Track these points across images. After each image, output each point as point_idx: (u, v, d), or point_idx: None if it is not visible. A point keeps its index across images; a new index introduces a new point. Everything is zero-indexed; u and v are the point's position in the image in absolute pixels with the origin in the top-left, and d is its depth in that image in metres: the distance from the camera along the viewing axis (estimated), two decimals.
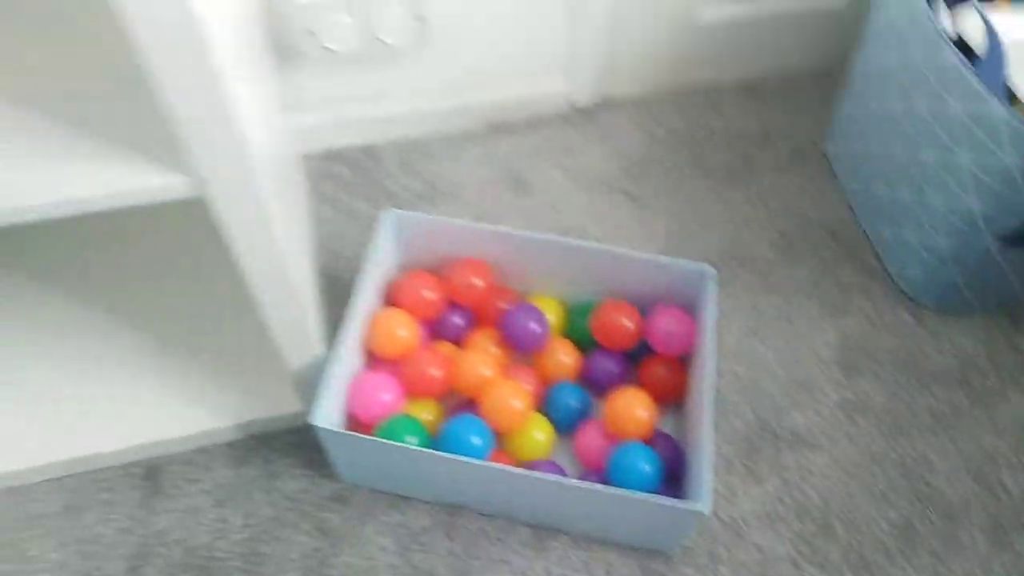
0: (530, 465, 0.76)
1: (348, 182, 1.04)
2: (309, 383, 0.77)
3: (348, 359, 0.77)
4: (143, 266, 0.92)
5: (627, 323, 0.83)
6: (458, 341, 0.87)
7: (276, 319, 0.68)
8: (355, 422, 0.79)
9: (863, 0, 1.06)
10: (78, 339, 0.86)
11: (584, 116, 1.13)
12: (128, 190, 0.52)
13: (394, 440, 0.74)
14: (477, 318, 0.88)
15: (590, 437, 0.80)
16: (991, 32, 0.77)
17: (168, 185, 0.52)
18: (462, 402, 0.83)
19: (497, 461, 0.76)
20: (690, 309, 0.85)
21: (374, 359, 0.83)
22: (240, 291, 0.88)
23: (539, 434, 0.80)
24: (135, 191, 0.52)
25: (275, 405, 0.82)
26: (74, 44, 0.58)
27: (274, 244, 0.60)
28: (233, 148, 0.52)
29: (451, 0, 0.94)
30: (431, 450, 0.71)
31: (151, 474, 0.81)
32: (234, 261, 0.61)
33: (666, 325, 0.82)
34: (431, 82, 1.03)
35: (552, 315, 0.87)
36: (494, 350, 0.84)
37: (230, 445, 0.83)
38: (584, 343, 0.86)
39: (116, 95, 0.56)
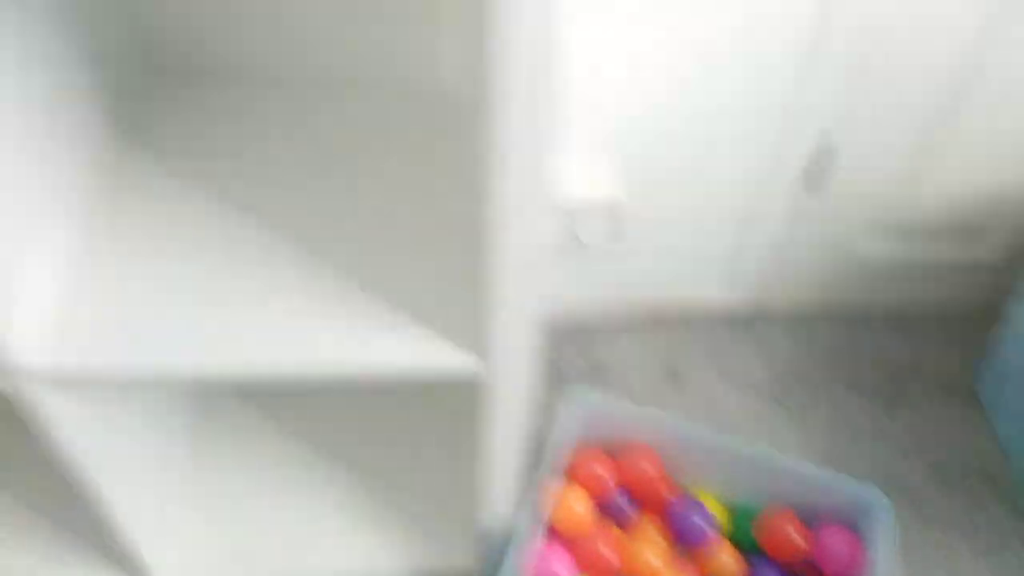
0: None
1: None
2: (492, 546, 0.82)
3: (531, 530, 0.82)
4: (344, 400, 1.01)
5: (798, 540, 0.85)
6: (623, 524, 0.91)
7: (494, 484, 0.74)
8: None
9: (1019, 256, 1.14)
10: (270, 468, 0.94)
11: (739, 321, 1.21)
12: (426, 366, 0.60)
13: None
14: (643, 504, 0.93)
15: None
16: None
17: (463, 366, 0.60)
18: None
19: None
20: (851, 526, 0.87)
21: (549, 531, 0.88)
22: (433, 447, 0.95)
23: None
24: (431, 367, 0.60)
25: (449, 560, 0.87)
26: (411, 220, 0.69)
27: (520, 422, 0.67)
28: (522, 335, 0.61)
29: (644, 210, 1.06)
30: None
31: None
32: (479, 430, 0.69)
33: (837, 546, 0.85)
34: (606, 275, 1.14)
35: (714, 512, 0.90)
36: (661, 541, 0.87)
37: None
38: (744, 547, 0.89)
39: (431, 271, 0.64)
